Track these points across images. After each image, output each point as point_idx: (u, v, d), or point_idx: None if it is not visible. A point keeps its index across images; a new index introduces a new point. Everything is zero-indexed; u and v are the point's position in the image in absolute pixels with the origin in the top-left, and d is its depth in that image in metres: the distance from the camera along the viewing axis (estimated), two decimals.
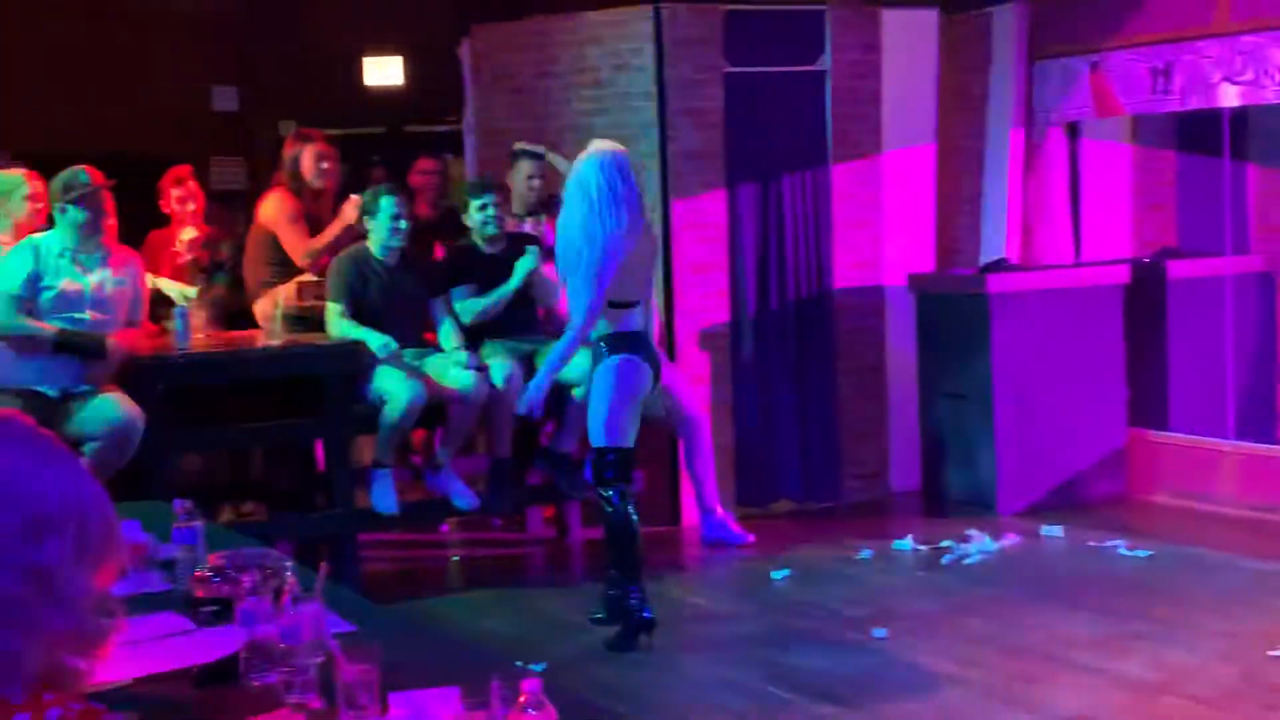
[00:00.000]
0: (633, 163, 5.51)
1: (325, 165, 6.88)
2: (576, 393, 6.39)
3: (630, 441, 5.48)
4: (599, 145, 5.52)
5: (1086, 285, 7.58)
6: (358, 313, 6.32)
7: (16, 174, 6.41)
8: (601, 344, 5.48)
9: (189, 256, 6.76)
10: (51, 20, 9.28)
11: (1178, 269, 7.84)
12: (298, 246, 6.72)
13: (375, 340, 6.21)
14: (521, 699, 2.06)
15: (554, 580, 6.77)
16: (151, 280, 6.47)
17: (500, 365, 6.37)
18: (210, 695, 2.52)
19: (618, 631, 5.48)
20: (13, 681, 1.26)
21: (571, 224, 5.38)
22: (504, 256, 6.60)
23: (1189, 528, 6.99)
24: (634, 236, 5.39)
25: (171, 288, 6.65)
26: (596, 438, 5.46)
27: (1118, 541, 6.68)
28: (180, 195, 6.98)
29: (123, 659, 2.52)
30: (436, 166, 7.96)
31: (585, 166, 5.42)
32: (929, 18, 7.95)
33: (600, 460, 5.47)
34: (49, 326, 5.63)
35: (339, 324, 6.31)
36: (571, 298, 5.47)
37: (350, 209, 6.57)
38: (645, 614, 5.49)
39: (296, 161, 6.84)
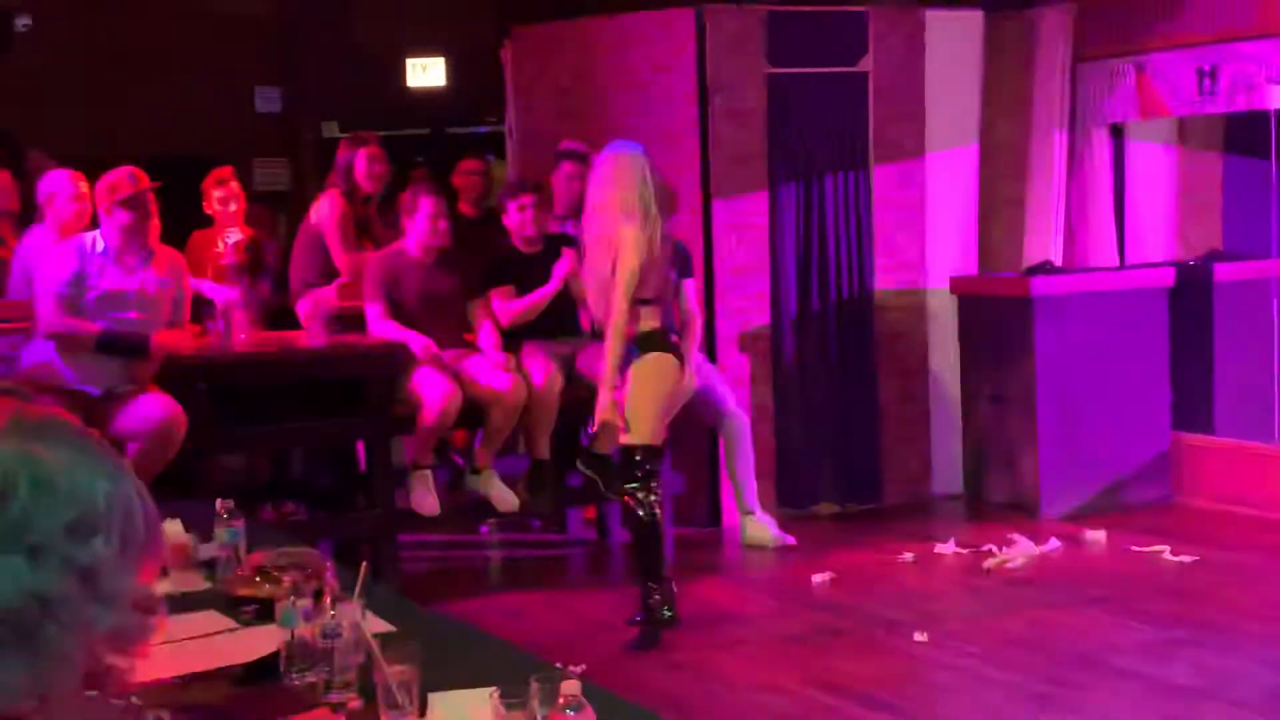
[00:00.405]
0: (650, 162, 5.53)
1: (378, 169, 6.91)
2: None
3: (659, 439, 5.46)
4: (623, 146, 5.54)
5: (1131, 288, 7.52)
6: (395, 312, 6.33)
7: (62, 175, 6.48)
8: (631, 343, 5.47)
9: (233, 259, 6.80)
10: (96, 22, 9.36)
11: (1224, 272, 7.76)
12: (341, 254, 6.75)
13: (415, 342, 6.22)
14: (560, 700, 2.05)
15: (593, 582, 6.76)
16: (195, 284, 6.49)
17: (539, 366, 6.37)
18: (250, 694, 2.52)
19: (639, 631, 5.48)
20: (64, 678, 1.27)
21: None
22: (542, 257, 6.60)
23: (1233, 532, 6.92)
24: (656, 234, 5.41)
25: (213, 291, 6.67)
26: (625, 434, 5.45)
27: (1161, 546, 6.62)
28: (222, 196, 7.03)
29: (164, 658, 2.53)
30: (480, 167, 7.98)
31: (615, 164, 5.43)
32: (973, 18, 7.91)
33: (628, 458, 5.45)
34: (93, 326, 5.67)
35: (379, 324, 6.33)
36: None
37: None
38: (666, 613, 5.48)
39: (351, 165, 6.87)
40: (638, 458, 5.44)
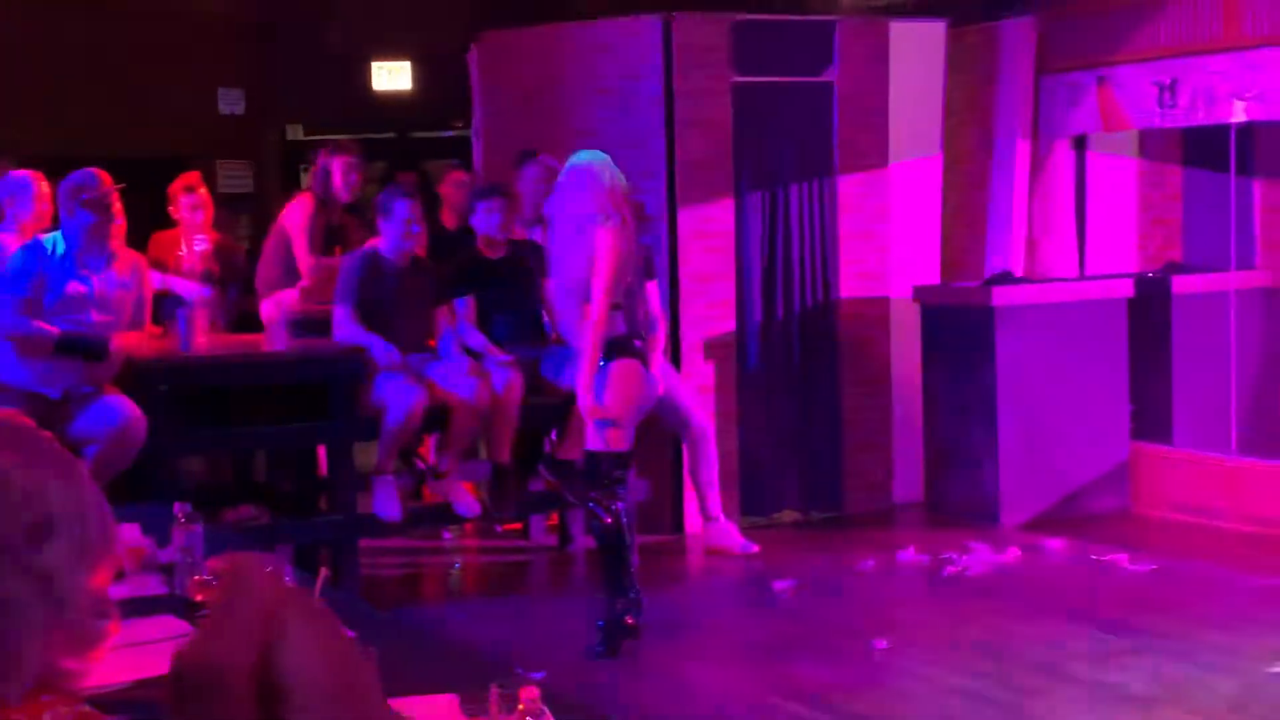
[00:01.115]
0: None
1: (354, 178, 6.89)
2: None
3: (626, 446, 5.47)
4: (593, 153, 5.54)
5: (1091, 299, 7.57)
6: (366, 314, 6.30)
7: (23, 175, 6.43)
8: (606, 349, 5.46)
9: (201, 268, 6.75)
10: (58, 22, 9.30)
11: (1182, 284, 7.83)
12: (306, 257, 6.73)
13: (378, 348, 6.20)
14: (520, 706, 2.06)
15: (555, 588, 6.76)
16: (163, 281, 6.45)
17: (502, 372, 6.37)
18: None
19: (601, 638, 5.48)
20: (12, 683, 1.26)
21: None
22: (506, 263, 6.60)
23: (1191, 542, 6.98)
24: (629, 239, 5.43)
25: (183, 287, 6.61)
26: (592, 442, 5.45)
27: (1120, 555, 6.66)
28: (191, 203, 6.96)
29: (120, 662, 2.52)
30: (465, 179, 7.94)
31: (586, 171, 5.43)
32: (937, 30, 7.95)
33: (594, 464, 5.45)
34: (52, 328, 5.62)
35: (346, 325, 6.30)
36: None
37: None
38: (629, 621, 5.48)
39: (328, 172, 6.85)
40: (604, 465, 5.44)
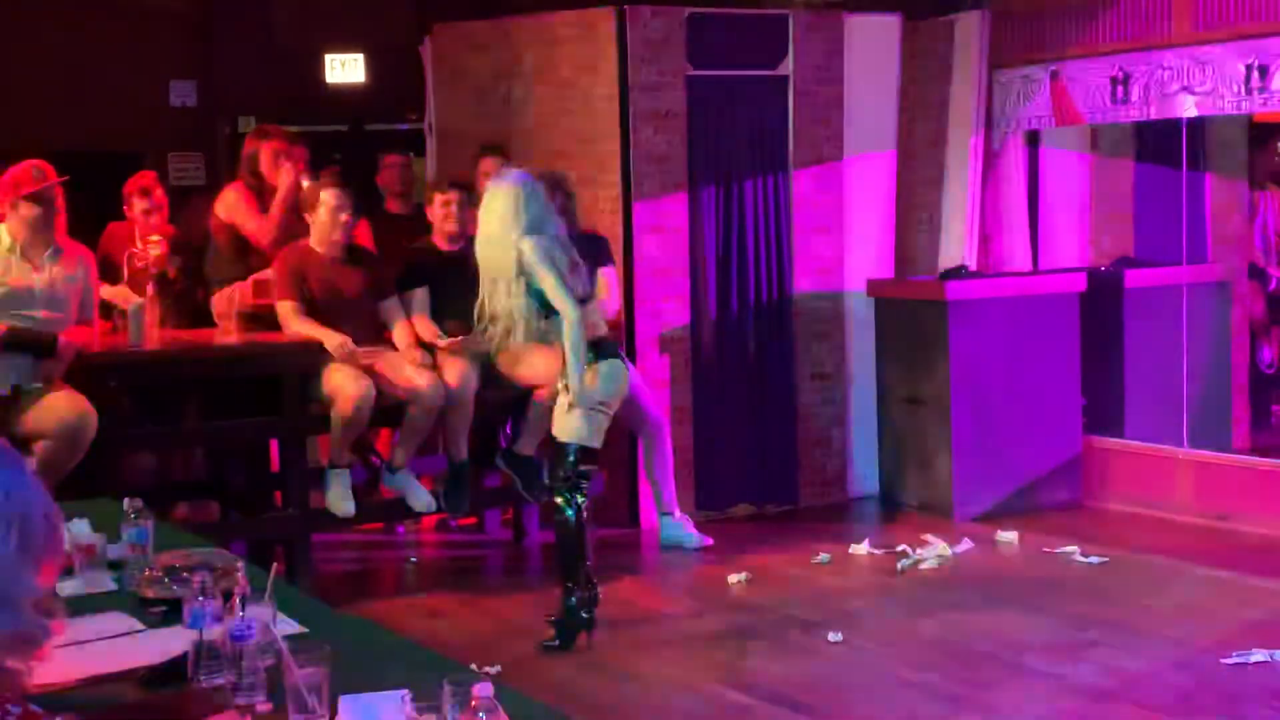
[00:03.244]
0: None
1: (284, 163, 6.82)
2: (538, 396, 6.36)
3: (597, 443, 5.47)
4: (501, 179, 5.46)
5: (1044, 293, 7.62)
6: (310, 310, 6.26)
7: None
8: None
9: (154, 270, 6.68)
10: (9, 13, 9.19)
11: (1134, 278, 7.89)
12: (260, 229, 6.66)
13: (331, 339, 6.16)
14: (473, 703, 2.04)
15: (510, 583, 6.74)
16: (104, 291, 6.36)
17: (455, 366, 6.34)
18: (157, 697, 2.48)
19: (555, 632, 5.47)
20: None
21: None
22: (461, 256, 6.57)
23: (1143, 535, 7.04)
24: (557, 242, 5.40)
25: (119, 295, 6.51)
26: (564, 432, 5.41)
27: (1072, 548, 6.71)
28: (146, 207, 6.88)
29: (68, 660, 2.49)
30: (400, 160, 7.89)
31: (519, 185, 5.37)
32: (891, 24, 7.97)
33: (564, 455, 5.43)
34: None
35: (292, 321, 6.25)
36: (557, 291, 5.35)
37: (285, 175, 6.55)
38: (584, 615, 5.47)
39: (255, 159, 6.79)
40: (572, 457, 5.41)
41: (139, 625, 2.88)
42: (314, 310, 6.26)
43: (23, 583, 1.29)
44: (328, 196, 6.28)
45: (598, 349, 5.39)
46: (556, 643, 5.45)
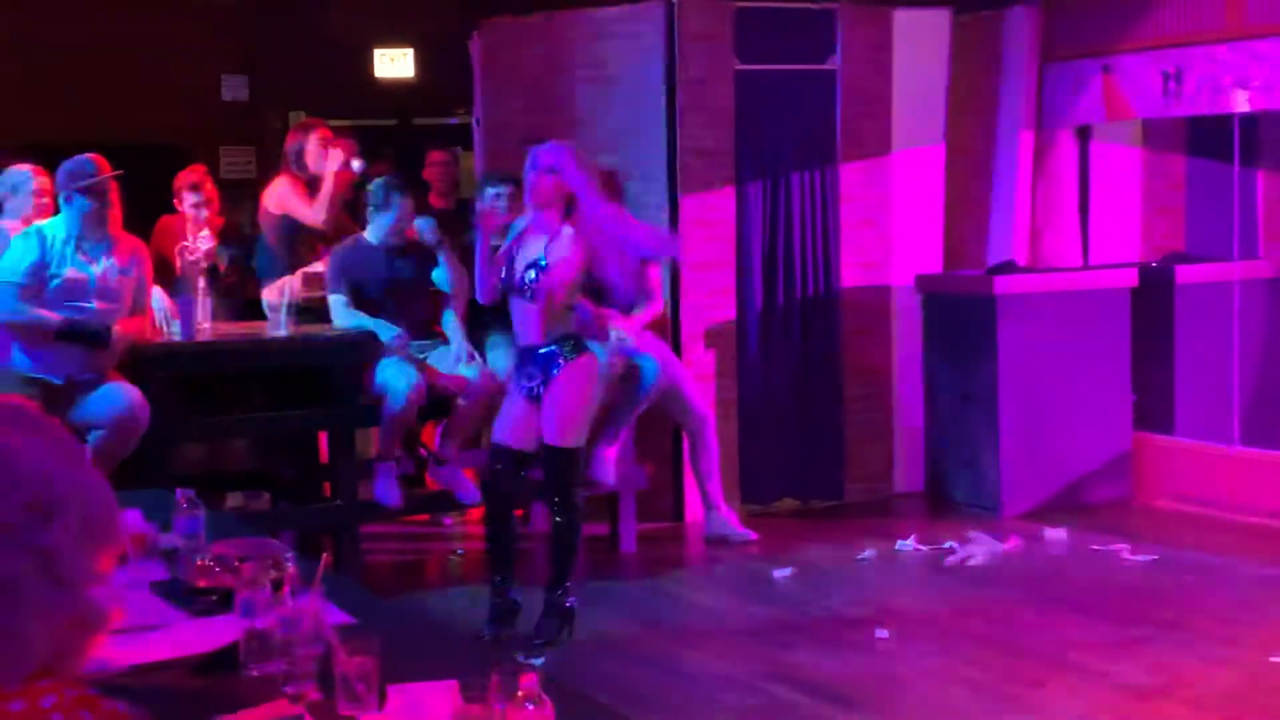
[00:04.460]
0: None
1: (332, 148, 6.88)
2: None
3: (584, 443, 5.47)
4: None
5: (1094, 288, 7.57)
6: (360, 303, 6.30)
7: (24, 169, 6.42)
8: (562, 344, 5.36)
9: (204, 264, 6.74)
10: (64, 8, 9.29)
11: (1185, 273, 7.82)
12: (310, 213, 6.73)
13: (385, 331, 6.19)
14: (520, 693, 2.06)
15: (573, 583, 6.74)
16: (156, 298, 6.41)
17: (504, 358, 6.36)
18: (208, 684, 2.51)
19: (548, 624, 5.49)
20: (20, 661, 1.27)
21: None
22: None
23: (1193, 532, 6.98)
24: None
25: (160, 303, 6.55)
26: (565, 437, 5.36)
27: (1121, 545, 6.66)
28: (196, 201, 6.93)
29: (121, 647, 2.52)
30: (446, 157, 7.96)
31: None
32: (940, 18, 7.93)
33: (560, 461, 5.38)
34: (53, 315, 5.62)
35: (343, 314, 6.29)
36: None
37: (333, 159, 6.62)
38: (569, 604, 5.53)
39: (300, 151, 6.84)
40: (568, 461, 5.38)
41: (191, 614, 2.91)
42: (366, 303, 6.29)
43: (83, 569, 1.32)
44: (402, 204, 6.33)
45: (573, 345, 5.39)
46: (551, 637, 5.47)
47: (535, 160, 5.29)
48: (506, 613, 5.53)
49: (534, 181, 5.27)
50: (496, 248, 5.45)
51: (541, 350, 5.36)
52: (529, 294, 5.31)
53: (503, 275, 5.38)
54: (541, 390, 5.37)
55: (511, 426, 5.48)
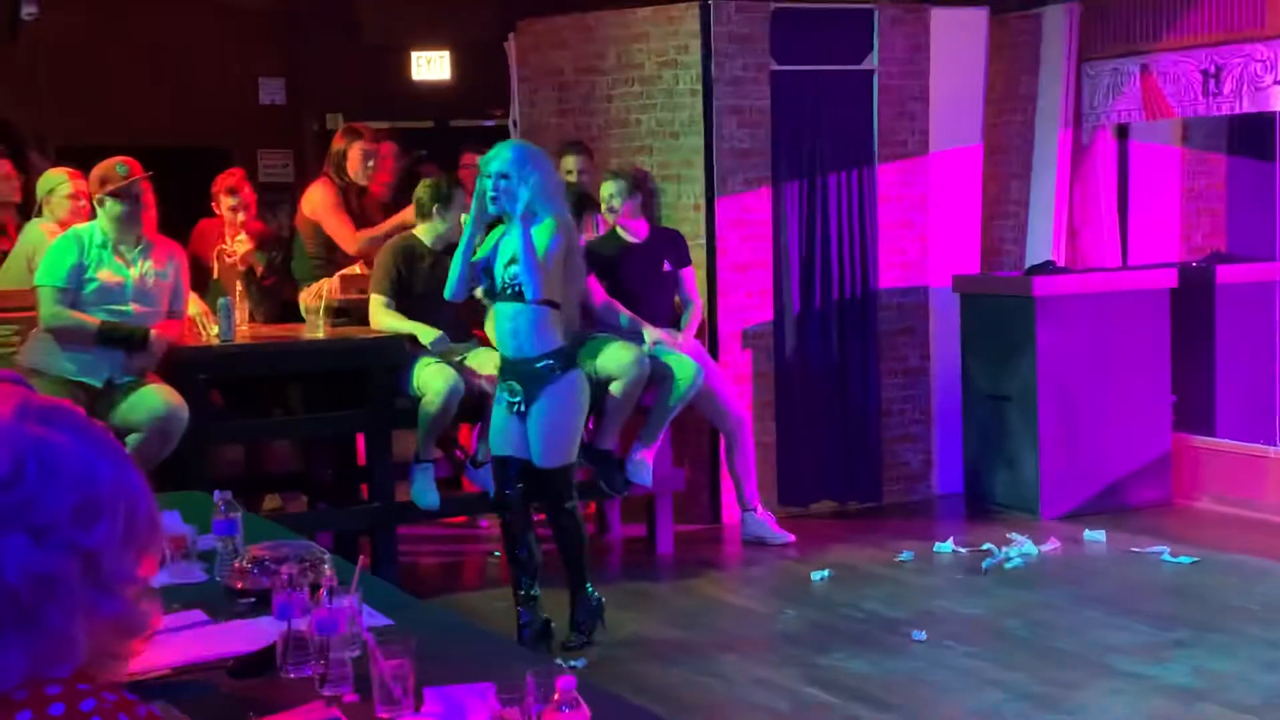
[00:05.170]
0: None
1: (371, 163, 6.90)
2: (614, 388, 6.38)
3: (574, 457, 5.42)
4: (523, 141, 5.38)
5: (1133, 289, 7.51)
6: (403, 304, 6.31)
7: (59, 173, 6.47)
8: (550, 360, 5.23)
9: (242, 266, 6.78)
10: (101, 12, 9.36)
11: (1226, 273, 7.76)
12: (347, 236, 6.75)
13: (426, 334, 6.20)
14: (556, 696, 2.05)
15: (592, 577, 6.74)
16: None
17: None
18: (246, 686, 2.52)
19: (583, 623, 5.50)
20: (61, 662, 1.27)
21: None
22: None
23: (1233, 534, 6.92)
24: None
25: (196, 308, 6.58)
26: (557, 458, 5.29)
27: (1161, 547, 6.61)
28: (233, 204, 6.95)
29: (159, 648, 2.53)
30: (477, 159, 7.96)
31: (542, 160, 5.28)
32: (978, 17, 7.90)
33: (554, 481, 5.33)
34: (91, 319, 5.66)
35: (383, 316, 6.30)
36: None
37: (409, 214, 6.54)
38: (597, 598, 5.55)
39: (343, 156, 6.87)
40: (562, 479, 5.34)
41: (229, 616, 2.92)
42: (411, 303, 6.30)
43: (125, 571, 1.32)
44: (461, 197, 6.34)
45: (567, 360, 5.30)
46: (585, 638, 5.49)
47: (485, 167, 5.17)
48: (541, 634, 5.47)
49: (491, 188, 5.12)
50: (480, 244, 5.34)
51: (524, 365, 5.23)
52: (509, 291, 5.16)
53: (484, 285, 5.28)
54: (523, 409, 5.26)
55: (506, 438, 5.36)
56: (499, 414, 5.39)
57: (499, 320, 5.29)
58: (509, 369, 5.31)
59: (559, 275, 5.16)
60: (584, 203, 6.76)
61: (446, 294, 5.49)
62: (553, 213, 5.16)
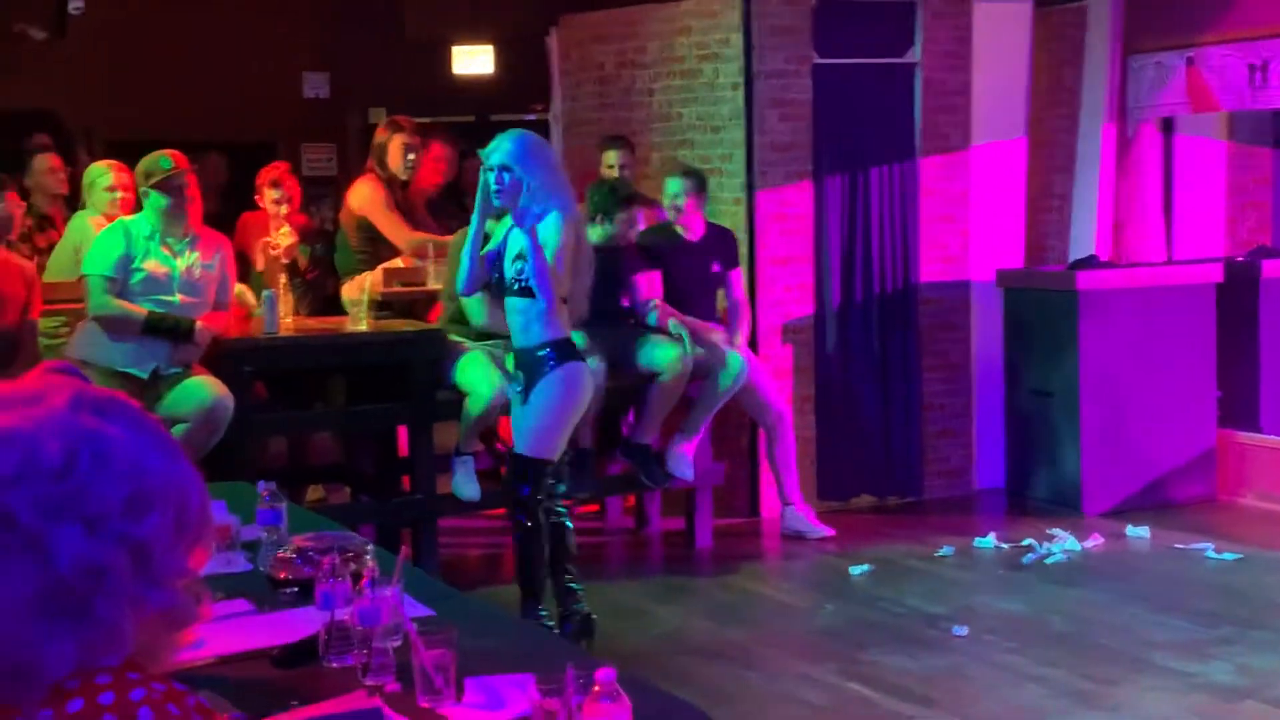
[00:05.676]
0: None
1: (411, 156, 6.92)
2: (663, 378, 6.39)
3: (557, 455, 5.24)
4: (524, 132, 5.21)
5: (1178, 284, 7.46)
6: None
7: (101, 166, 6.53)
8: (548, 350, 5.11)
9: (285, 260, 6.82)
10: (147, 6, 9.42)
11: (1272, 268, 7.69)
12: (399, 234, 6.77)
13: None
14: (596, 688, 2.07)
15: (632, 570, 6.78)
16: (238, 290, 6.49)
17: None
18: (289, 675, 2.55)
19: (573, 628, 5.37)
20: (111, 652, 1.29)
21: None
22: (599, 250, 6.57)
23: (1278, 531, 6.86)
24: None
25: (246, 295, 6.62)
26: (530, 446, 5.19)
27: (1205, 544, 6.57)
28: (277, 197, 6.98)
29: (203, 638, 2.56)
30: None
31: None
32: (1022, 10, 7.85)
33: (527, 470, 5.20)
34: (139, 309, 5.71)
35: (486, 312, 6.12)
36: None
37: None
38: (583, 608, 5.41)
39: (384, 149, 6.89)
40: (535, 472, 5.20)
41: (272, 606, 2.95)
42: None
43: (175, 563, 1.34)
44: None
45: (564, 352, 5.15)
46: (581, 633, 5.35)
47: (486, 160, 5.07)
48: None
49: (493, 181, 5.04)
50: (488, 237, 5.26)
51: (526, 354, 5.16)
52: (516, 287, 5.09)
53: (493, 279, 5.21)
54: (525, 398, 5.19)
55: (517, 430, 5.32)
56: (513, 407, 5.35)
57: (509, 313, 5.22)
58: (516, 359, 5.28)
59: (567, 269, 5.08)
60: (629, 197, 6.75)
61: (457, 289, 5.48)
62: (558, 206, 5.04)
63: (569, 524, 5.43)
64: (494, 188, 5.05)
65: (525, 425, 5.22)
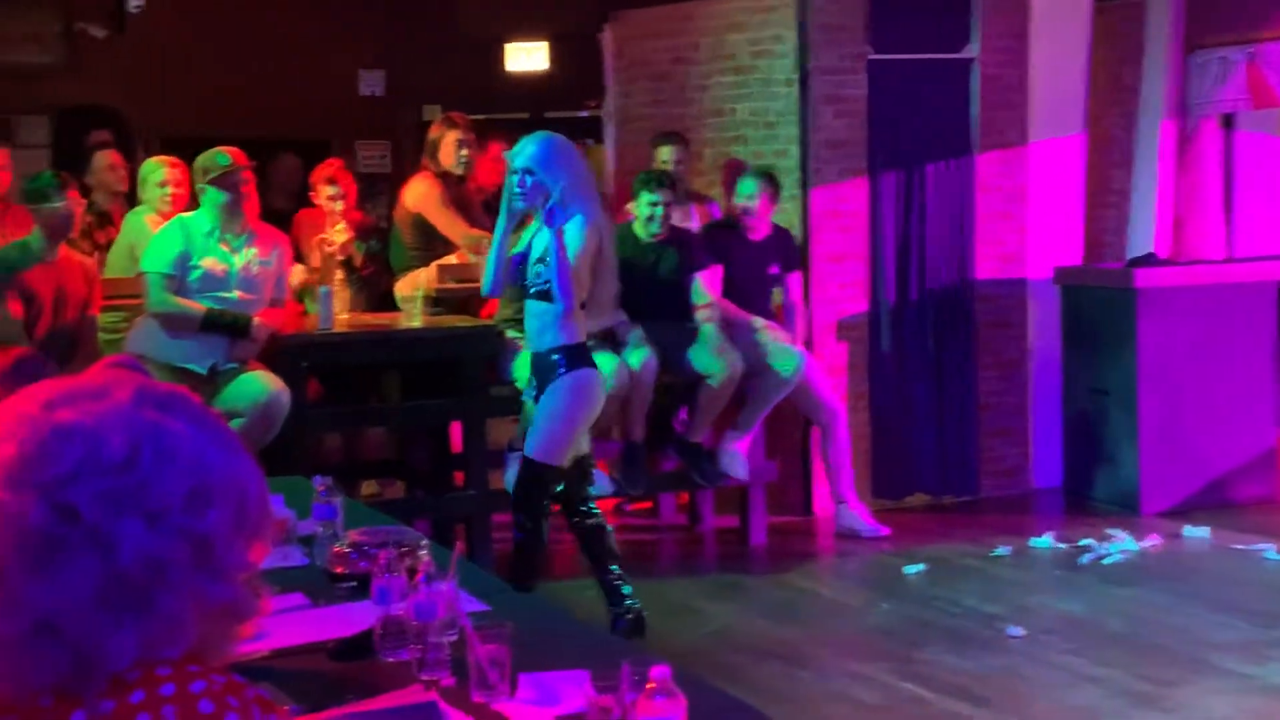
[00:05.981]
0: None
1: (465, 152, 6.93)
2: (711, 381, 6.39)
3: (561, 462, 5.18)
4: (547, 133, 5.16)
5: (1238, 281, 7.37)
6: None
7: (154, 162, 6.59)
8: (560, 355, 5.05)
9: (341, 256, 6.85)
10: (206, 4, 9.50)
11: None
12: (454, 229, 6.78)
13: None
14: (651, 685, 2.06)
15: (684, 567, 6.77)
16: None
17: (637, 351, 6.37)
18: (344, 669, 2.56)
19: (624, 623, 5.33)
20: (172, 645, 1.30)
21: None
22: (655, 248, 6.56)
23: None
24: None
25: (298, 276, 6.65)
26: (533, 449, 5.15)
27: (1265, 545, 6.49)
28: (332, 194, 7.00)
29: (261, 631, 2.58)
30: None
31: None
32: (1081, 4, 7.78)
33: (532, 473, 5.16)
34: (197, 305, 5.76)
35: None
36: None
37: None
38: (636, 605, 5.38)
39: (437, 145, 6.91)
40: (537, 478, 5.16)
41: (329, 600, 2.96)
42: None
43: (236, 557, 1.34)
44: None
45: (575, 358, 5.08)
46: (631, 629, 5.32)
47: (511, 162, 5.05)
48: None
49: (516, 184, 5.02)
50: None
51: (540, 359, 5.12)
52: (535, 290, 5.06)
53: (516, 281, 5.19)
54: (535, 399, 5.16)
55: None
56: (526, 410, 5.32)
57: (527, 316, 5.20)
58: (531, 362, 5.24)
59: (586, 274, 5.05)
60: (681, 193, 6.75)
61: (483, 290, 5.49)
62: (582, 209, 5.00)
63: (607, 525, 5.41)
64: (516, 190, 5.03)
65: (533, 429, 5.21)
